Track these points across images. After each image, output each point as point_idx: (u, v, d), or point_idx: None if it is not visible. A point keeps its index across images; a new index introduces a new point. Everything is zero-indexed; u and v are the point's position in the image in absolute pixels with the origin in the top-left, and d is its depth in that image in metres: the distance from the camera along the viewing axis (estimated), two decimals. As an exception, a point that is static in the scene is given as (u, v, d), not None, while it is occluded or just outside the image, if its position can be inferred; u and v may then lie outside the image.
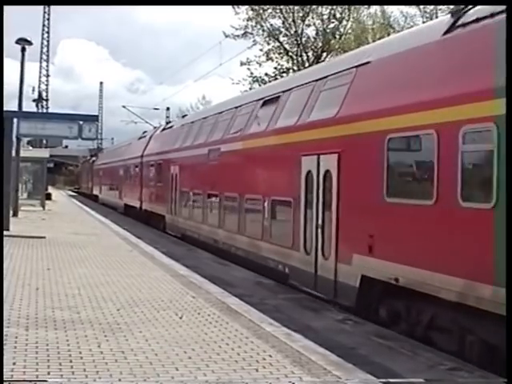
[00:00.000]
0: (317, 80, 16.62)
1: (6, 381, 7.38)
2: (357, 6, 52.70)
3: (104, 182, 62.82)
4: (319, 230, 14.89)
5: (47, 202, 45.92)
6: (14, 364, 8.01)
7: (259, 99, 20.75)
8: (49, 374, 7.74)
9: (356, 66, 14.47)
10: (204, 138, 25.67)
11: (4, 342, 8.96)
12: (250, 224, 19.73)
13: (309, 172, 15.48)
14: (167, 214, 31.36)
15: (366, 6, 53.02)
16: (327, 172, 14.61)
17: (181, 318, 11.23)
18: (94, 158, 79.38)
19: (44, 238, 23.62)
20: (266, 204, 18.21)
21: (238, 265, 20.33)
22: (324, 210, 14.76)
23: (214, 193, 23.35)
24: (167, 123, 42.30)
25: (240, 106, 22.68)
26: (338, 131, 14.34)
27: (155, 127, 46.85)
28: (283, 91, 18.90)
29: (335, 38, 53.15)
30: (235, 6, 51.78)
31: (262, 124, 19.49)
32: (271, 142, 18.32)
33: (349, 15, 53.20)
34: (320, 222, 14.87)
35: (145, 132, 49.42)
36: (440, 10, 49.41)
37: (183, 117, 36.76)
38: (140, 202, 39.95)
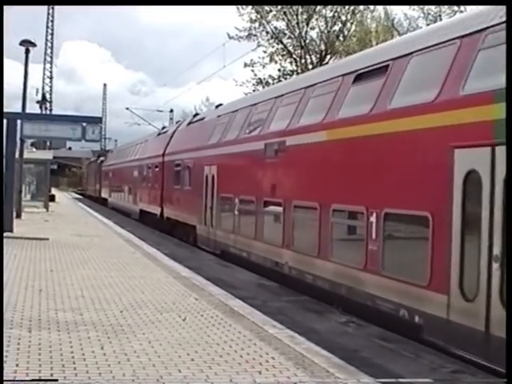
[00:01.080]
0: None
1: (7, 380, 7.39)
2: (361, 9, 52.74)
3: (115, 184, 56.98)
4: (496, 265, 9.45)
5: (50, 203, 45.93)
6: (16, 366, 8.02)
7: (348, 73, 15.29)
8: (52, 375, 7.74)
9: None
10: (256, 130, 20.40)
11: (7, 344, 8.97)
12: (342, 246, 14.74)
13: (470, 173, 10.09)
14: (199, 225, 25.62)
15: (370, 9, 53.10)
16: None
17: (184, 320, 11.23)
18: (102, 159, 72.84)
19: (47, 239, 23.64)
20: (372, 219, 12.80)
21: (316, 298, 15.37)
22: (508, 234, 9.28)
23: (276, 200, 18.04)
24: (194, 115, 34.56)
25: (313, 86, 17.15)
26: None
27: (178, 121, 40.97)
28: (399, 57, 13.33)
29: (339, 40, 53.15)
30: (239, 8, 51.83)
31: (360, 106, 14.11)
32: (386, 129, 12.83)
33: (352, 18, 53.18)
34: (497, 252, 9.44)
35: (164, 128, 44.91)
36: (444, 12, 49.47)
37: (217, 107, 30.39)
38: (161, 209, 34.58)
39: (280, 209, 17.50)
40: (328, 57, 53.50)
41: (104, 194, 64.29)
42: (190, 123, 32.79)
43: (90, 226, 32.07)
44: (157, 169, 36.59)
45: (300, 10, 52.40)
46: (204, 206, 24.79)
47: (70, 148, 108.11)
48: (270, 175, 18.92)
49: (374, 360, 10.00)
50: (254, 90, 50.92)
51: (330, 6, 52.46)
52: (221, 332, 10.45)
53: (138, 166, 43.90)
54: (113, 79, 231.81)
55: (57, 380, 7.57)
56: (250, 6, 51.64)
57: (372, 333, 11.95)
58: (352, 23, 53.43)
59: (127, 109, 76.95)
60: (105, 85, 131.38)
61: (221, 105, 30.57)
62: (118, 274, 16.38)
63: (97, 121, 26.91)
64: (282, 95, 19.25)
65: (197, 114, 34.91)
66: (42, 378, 7.66)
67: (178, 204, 30.68)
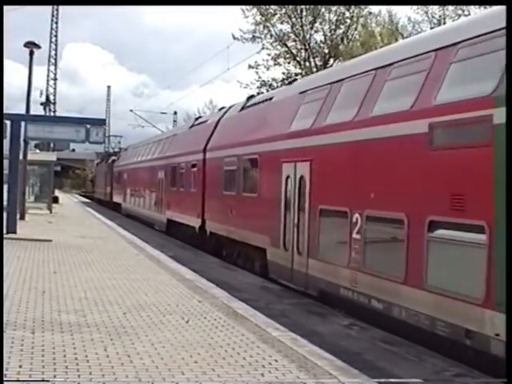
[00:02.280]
0: None
1: (6, 381, 7.41)
2: (365, 13, 52.80)
3: (131, 187, 48.01)
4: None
5: (54, 205, 45.98)
6: (20, 367, 8.03)
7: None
8: (55, 377, 7.75)
9: None
10: (402, 105, 12.33)
11: (10, 345, 8.99)
12: None
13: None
14: (273, 248, 18.16)
15: (374, 13, 53.16)
16: None
17: (187, 322, 11.24)
18: (113, 158, 64.21)
19: (50, 241, 23.66)
20: None
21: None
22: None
23: (466, 222, 10.19)
24: (249, 97, 25.74)
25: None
26: None
27: (222, 108, 30.37)
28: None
29: (343, 43, 53.22)
30: (244, 10, 51.94)
31: None
32: None
33: (356, 21, 53.24)
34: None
35: (199, 118, 36.85)
36: (448, 16, 49.48)
37: (290, 83, 23.55)
38: (201, 221, 26.39)
39: (479, 237, 9.77)
40: (331, 60, 53.57)
41: (117, 199, 56.18)
42: (244, 108, 24.46)
43: (94, 228, 32.09)
44: (194, 168, 28.34)
45: (304, 12, 52.50)
46: (283, 222, 17.47)
47: (73, 150, 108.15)
48: (444, 176, 10.90)
49: (377, 363, 10.00)
50: (258, 93, 50.97)
51: (334, 10, 52.56)
52: (224, 334, 10.46)
53: (164, 165, 35.83)
54: (116, 81, 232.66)
55: (48, 381, 7.60)
56: (255, 9, 51.77)
57: (375, 336, 11.95)
58: (356, 27, 53.50)
59: (131, 111, 77.04)
60: (109, 87, 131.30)
61: (253, 96, 25.99)
62: (121, 275, 16.39)
63: (101, 122, 26.93)
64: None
65: (252, 96, 25.97)
66: (45, 379, 7.67)
67: (233, 216, 22.22)
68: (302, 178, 16.40)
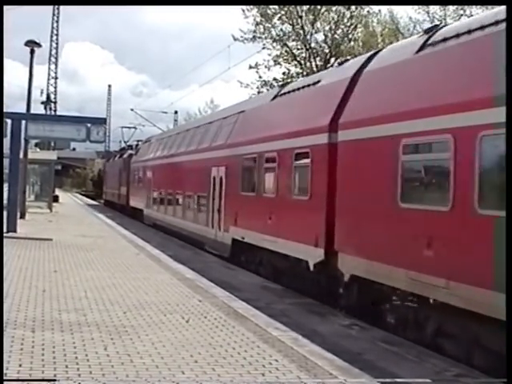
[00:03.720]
0: None
1: (6, 380, 7.40)
2: (365, 13, 52.81)
3: (160, 188, 36.24)
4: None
5: (54, 204, 45.99)
6: (20, 366, 8.02)
7: None
8: (55, 376, 7.74)
9: None
10: None
11: (10, 344, 8.98)
12: None
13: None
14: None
15: (375, 13, 53.15)
16: None
17: (187, 321, 11.22)
18: (130, 152, 52.34)
19: (51, 240, 23.65)
20: None
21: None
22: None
23: None
24: (428, 30, 13.50)
25: None
26: None
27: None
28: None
29: (344, 43, 53.20)
30: (244, 10, 51.94)
31: None
32: None
33: (357, 21, 53.21)
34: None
35: (285, 85, 23.78)
36: (449, 16, 49.48)
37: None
38: (324, 252, 15.03)
39: None
40: (332, 60, 53.53)
41: (136, 203, 44.17)
42: (422, 48, 12.66)
43: (94, 227, 32.08)
44: (303, 160, 16.72)
45: (304, 12, 52.50)
46: None
47: (74, 149, 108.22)
48: None
49: (378, 363, 9.97)
50: (258, 92, 50.95)
51: (334, 10, 52.57)
52: (224, 334, 10.45)
53: (224, 158, 23.94)
54: (115, 81, 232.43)
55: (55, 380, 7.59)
56: (256, 9, 51.78)
57: (376, 336, 11.94)
58: (356, 26, 53.47)
59: (132, 110, 76.80)
60: (109, 86, 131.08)
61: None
62: (121, 275, 16.38)
63: (101, 122, 26.95)
64: None
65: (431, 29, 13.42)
66: (45, 378, 7.66)
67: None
68: None
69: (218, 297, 13.92)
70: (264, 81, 53.56)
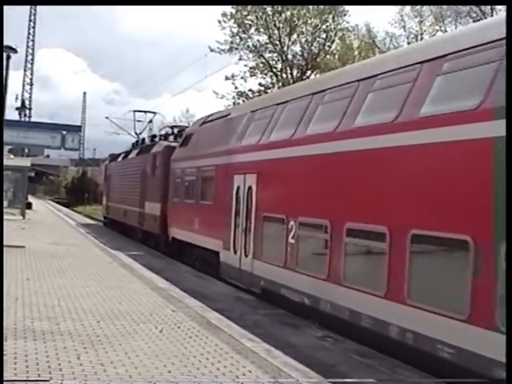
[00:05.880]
0: None
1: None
2: (342, 27, 53.17)
3: (294, 215, 15.06)
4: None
5: (27, 211, 45.65)
6: (-8, 374, 7.95)
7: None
8: (27, 384, 7.70)
9: None
10: None
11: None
12: None
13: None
14: None
15: (352, 25, 53.50)
16: None
17: (161, 331, 11.20)
18: (170, 144, 30.48)
19: (23, 247, 23.47)
20: None
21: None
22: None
23: None
24: None
25: None
26: None
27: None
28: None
29: (320, 56, 53.47)
30: (221, 20, 52.10)
31: None
32: None
33: (334, 34, 53.54)
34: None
35: None
36: (425, 31, 49.95)
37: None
38: None
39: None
40: (309, 72, 53.79)
41: (185, 234, 24.87)
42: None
43: (67, 235, 31.87)
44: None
45: (282, 24, 52.74)
46: None
47: (47, 156, 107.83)
48: None
49: (351, 375, 10.01)
50: (234, 103, 51.01)
51: (310, 23, 52.86)
52: (198, 344, 10.43)
53: None
54: (88, 89, 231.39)
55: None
56: (232, 20, 51.94)
57: (349, 348, 11.97)
58: (333, 40, 53.80)
59: (107, 118, 76.43)
60: (84, 93, 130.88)
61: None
62: (94, 283, 16.30)
63: (76, 129, 26.92)
64: None
65: None
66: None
67: None
68: None
69: (191, 307, 13.90)
70: (240, 92, 53.70)
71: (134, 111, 43.31)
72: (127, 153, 40.45)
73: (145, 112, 44.53)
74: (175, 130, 33.82)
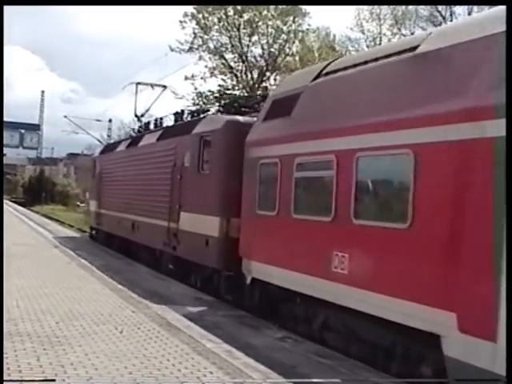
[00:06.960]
0: None
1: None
2: (304, 29, 53.42)
3: None
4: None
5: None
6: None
7: None
8: (-14, 387, 7.61)
9: None
10: None
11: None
12: None
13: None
14: None
15: (313, 28, 53.78)
16: None
17: (121, 332, 11.15)
18: (226, 117, 18.14)
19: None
20: None
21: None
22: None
23: None
24: None
25: None
26: None
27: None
28: None
29: (280, 57, 53.62)
30: (182, 21, 52.06)
31: None
32: None
33: (294, 36, 53.73)
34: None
35: None
36: (384, 34, 50.36)
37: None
38: None
39: None
40: (268, 73, 53.91)
41: (297, 278, 12.36)
42: None
43: (26, 235, 31.58)
44: None
45: (243, 25, 52.81)
46: None
47: (4, 154, 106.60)
48: None
49: (312, 376, 10.03)
50: (193, 104, 50.90)
51: (271, 25, 53.01)
52: (158, 345, 10.41)
53: None
54: (45, 87, 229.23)
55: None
56: (194, 21, 51.93)
57: (308, 349, 12.00)
58: (293, 42, 53.99)
59: (65, 117, 75.74)
60: (43, 92, 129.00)
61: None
62: (53, 284, 16.17)
63: (35, 128, 26.67)
64: None
65: None
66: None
67: None
68: None
69: (150, 308, 13.86)
70: (200, 92, 53.61)
71: (137, 83, 32.93)
72: (135, 138, 28.31)
73: (151, 85, 33.60)
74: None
